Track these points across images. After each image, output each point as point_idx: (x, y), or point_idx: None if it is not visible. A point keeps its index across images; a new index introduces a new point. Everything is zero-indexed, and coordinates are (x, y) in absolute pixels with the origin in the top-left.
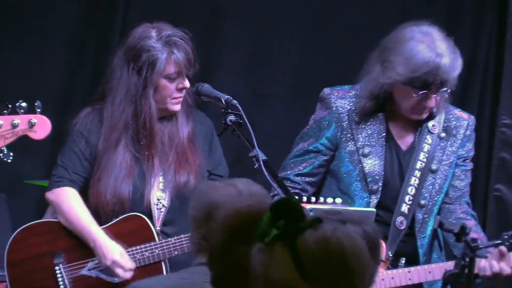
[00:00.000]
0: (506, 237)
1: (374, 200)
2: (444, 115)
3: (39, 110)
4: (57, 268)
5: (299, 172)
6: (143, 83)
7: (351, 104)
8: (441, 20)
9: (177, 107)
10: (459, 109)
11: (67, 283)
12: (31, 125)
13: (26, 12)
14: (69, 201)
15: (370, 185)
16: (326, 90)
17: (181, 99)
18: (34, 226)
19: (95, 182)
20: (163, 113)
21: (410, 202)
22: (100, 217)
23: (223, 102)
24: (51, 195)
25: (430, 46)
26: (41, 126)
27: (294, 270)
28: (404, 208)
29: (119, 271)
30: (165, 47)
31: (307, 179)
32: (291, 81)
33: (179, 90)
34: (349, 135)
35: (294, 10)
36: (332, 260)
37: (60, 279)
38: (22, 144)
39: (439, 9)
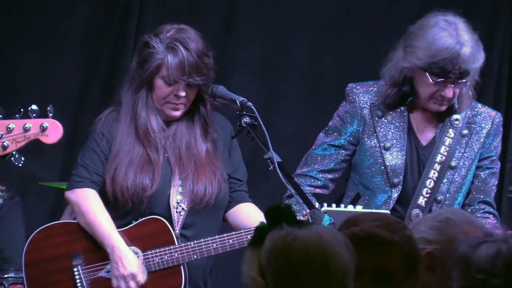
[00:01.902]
0: None
1: (395, 193)
2: (469, 110)
3: (51, 114)
4: (75, 269)
5: (323, 168)
6: (140, 78)
7: (373, 98)
8: None
9: (175, 113)
10: (484, 106)
11: (85, 285)
12: (43, 129)
13: (41, 15)
14: (90, 203)
15: (391, 179)
16: (350, 85)
17: (180, 106)
18: (52, 227)
19: (111, 169)
20: (163, 116)
21: (428, 195)
22: (118, 208)
23: (238, 104)
24: (72, 195)
25: (452, 34)
26: (52, 130)
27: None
28: (421, 200)
29: (132, 284)
30: (164, 50)
31: (330, 175)
32: (307, 83)
33: (176, 96)
34: (371, 129)
35: (310, 12)
36: (277, 261)
37: (78, 281)
38: (36, 147)
39: (452, 11)
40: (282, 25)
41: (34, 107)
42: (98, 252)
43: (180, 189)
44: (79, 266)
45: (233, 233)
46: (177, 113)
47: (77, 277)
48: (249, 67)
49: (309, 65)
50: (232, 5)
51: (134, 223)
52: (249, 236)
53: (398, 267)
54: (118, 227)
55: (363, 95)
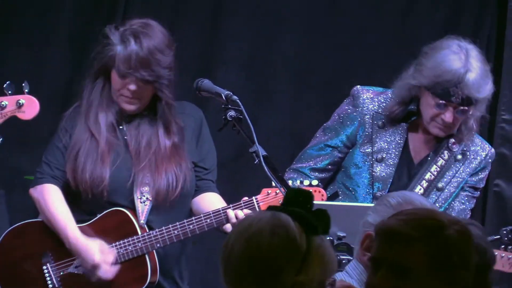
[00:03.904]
0: (504, 232)
1: None
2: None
3: (26, 90)
4: (44, 267)
5: (315, 166)
6: (96, 68)
7: (378, 107)
8: (442, 17)
9: (129, 107)
10: (483, 140)
11: (55, 282)
12: (19, 106)
13: (27, 11)
14: (49, 199)
15: (375, 190)
16: (357, 88)
17: (133, 101)
18: (20, 227)
19: (71, 160)
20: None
21: None
22: (82, 202)
23: (223, 98)
24: (34, 192)
25: (461, 59)
26: (29, 106)
27: None
28: None
29: (101, 273)
30: (118, 42)
31: (321, 175)
32: (294, 77)
33: (128, 90)
34: (368, 137)
35: (297, 6)
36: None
37: (48, 279)
38: (21, 140)
39: (440, 6)
40: (269, 19)
41: (8, 83)
42: (66, 248)
43: (146, 180)
44: (48, 264)
45: (193, 218)
46: (131, 107)
47: (46, 275)
48: (235, 61)
49: (296, 59)
50: None
51: (98, 216)
52: (208, 220)
53: (419, 265)
54: (82, 221)
55: (369, 102)
